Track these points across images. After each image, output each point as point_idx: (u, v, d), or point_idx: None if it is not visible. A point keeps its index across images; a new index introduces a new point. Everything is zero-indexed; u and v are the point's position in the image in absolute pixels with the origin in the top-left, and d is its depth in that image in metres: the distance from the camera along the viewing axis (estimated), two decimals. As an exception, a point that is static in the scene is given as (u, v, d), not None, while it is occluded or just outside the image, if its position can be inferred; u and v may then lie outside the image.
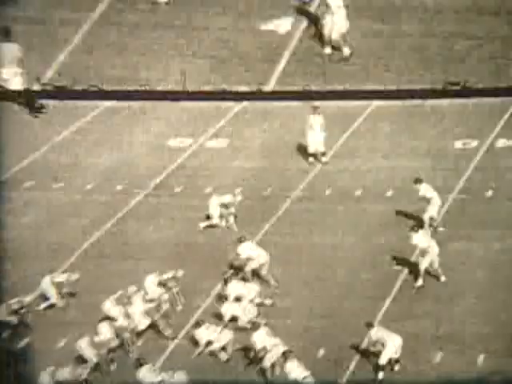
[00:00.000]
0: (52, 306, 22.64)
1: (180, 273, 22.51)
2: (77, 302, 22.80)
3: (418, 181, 24.37)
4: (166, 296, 22.02)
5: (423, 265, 22.27)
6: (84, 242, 25.13)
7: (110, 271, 23.63)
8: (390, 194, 26.28)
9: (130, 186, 27.45)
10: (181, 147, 29.39)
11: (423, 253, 22.35)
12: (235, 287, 21.91)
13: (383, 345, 19.91)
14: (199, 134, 29.82)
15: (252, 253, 22.72)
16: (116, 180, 27.82)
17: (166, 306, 21.90)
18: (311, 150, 27.44)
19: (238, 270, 22.92)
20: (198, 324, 21.08)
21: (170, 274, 22.42)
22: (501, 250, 23.50)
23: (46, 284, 22.68)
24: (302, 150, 28.16)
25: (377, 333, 20.07)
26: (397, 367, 19.99)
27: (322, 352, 20.79)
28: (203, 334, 20.79)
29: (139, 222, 25.93)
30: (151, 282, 22.29)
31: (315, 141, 27.29)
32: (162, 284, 22.26)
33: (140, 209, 26.56)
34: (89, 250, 24.63)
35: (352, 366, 20.31)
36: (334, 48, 16.99)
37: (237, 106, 30.81)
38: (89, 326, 21.54)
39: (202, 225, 25.12)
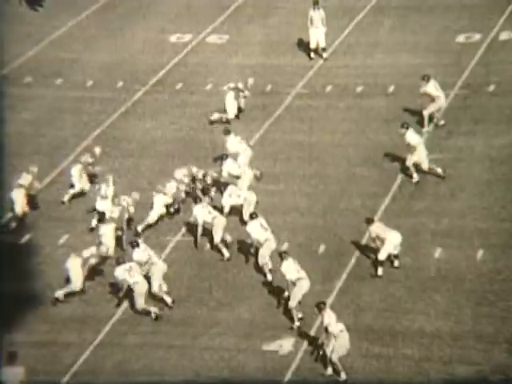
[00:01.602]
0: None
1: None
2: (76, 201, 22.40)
3: (425, 77, 23.40)
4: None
5: (410, 161, 21.75)
6: (84, 138, 24.59)
7: (110, 169, 23.13)
8: (391, 89, 25.62)
9: (130, 83, 26.79)
10: (180, 43, 28.68)
11: (412, 149, 21.80)
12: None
13: (382, 241, 19.56)
14: (199, 30, 29.08)
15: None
16: (116, 76, 27.16)
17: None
18: (312, 45, 26.81)
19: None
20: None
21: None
22: (501, 145, 23.01)
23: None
24: (303, 46, 27.53)
25: (376, 229, 19.69)
26: (396, 263, 19.69)
27: (322, 248, 20.48)
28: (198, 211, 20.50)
29: (140, 119, 25.39)
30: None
31: (316, 35, 26.67)
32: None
33: (140, 106, 25.96)
34: (89, 148, 24.09)
35: (352, 262, 20.00)
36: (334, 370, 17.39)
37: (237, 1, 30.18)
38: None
39: (213, 117, 24.36)
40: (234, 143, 22.43)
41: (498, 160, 22.48)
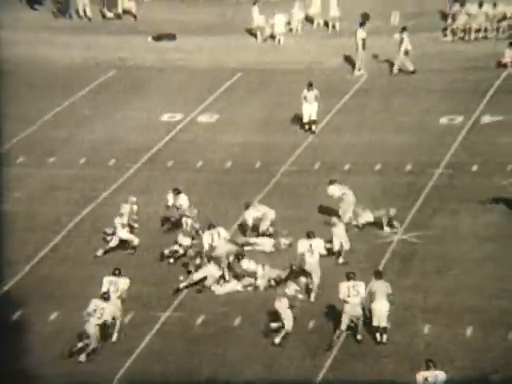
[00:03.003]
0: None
1: None
2: (69, 272, 21.94)
3: None
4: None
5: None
6: (76, 215, 24.27)
7: (101, 245, 22.77)
8: (377, 167, 25.59)
9: (121, 161, 26.65)
10: (172, 122, 28.69)
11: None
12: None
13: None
14: (190, 110, 29.12)
15: (258, 214, 22.33)
16: (108, 154, 27.03)
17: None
18: (305, 119, 27.26)
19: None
20: None
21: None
22: (488, 223, 22.82)
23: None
24: (292, 125, 27.63)
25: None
26: (385, 338, 19.22)
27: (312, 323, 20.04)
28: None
29: (131, 195, 25.07)
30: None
31: (309, 110, 27.17)
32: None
33: (131, 183, 25.77)
34: (80, 224, 23.71)
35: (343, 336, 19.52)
36: None
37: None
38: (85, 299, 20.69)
39: None
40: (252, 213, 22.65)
41: (484, 238, 22.26)
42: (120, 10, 36.20)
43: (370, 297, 19.33)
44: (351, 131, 27.66)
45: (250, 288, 21.01)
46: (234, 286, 21.12)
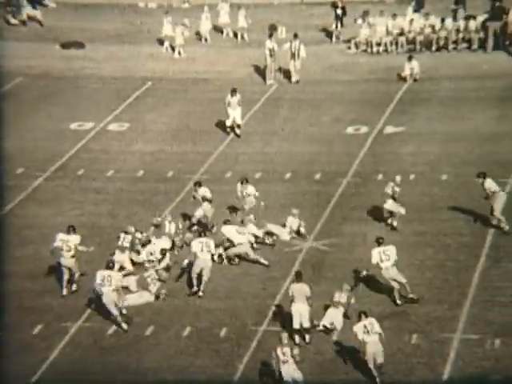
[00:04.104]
0: None
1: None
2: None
3: (481, 175, 22.53)
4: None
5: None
6: (-16, 225, 23.54)
7: (11, 257, 22.04)
8: (287, 176, 25.62)
9: (30, 170, 25.97)
10: (82, 130, 28.22)
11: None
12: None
13: None
14: (100, 118, 28.67)
15: (233, 237, 21.76)
16: (16, 163, 26.32)
17: None
18: (229, 123, 27.56)
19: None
20: None
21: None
22: (391, 231, 22.85)
23: None
24: (203, 134, 27.46)
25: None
26: (307, 338, 19.05)
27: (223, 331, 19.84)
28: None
29: (40, 205, 24.45)
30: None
31: (233, 114, 27.42)
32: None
33: (41, 192, 25.13)
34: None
35: (253, 346, 19.34)
36: None
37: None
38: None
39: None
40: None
41: (390, 244, 22.38)
42: (25, 17, 35.28)
43: (290, 299, 19.38)
44: (262, 140, 27.65)
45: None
46: (147, 297, 20.86)
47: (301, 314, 19.19)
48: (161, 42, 33.96)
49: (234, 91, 27.37)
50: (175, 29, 33.28)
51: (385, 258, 20.19)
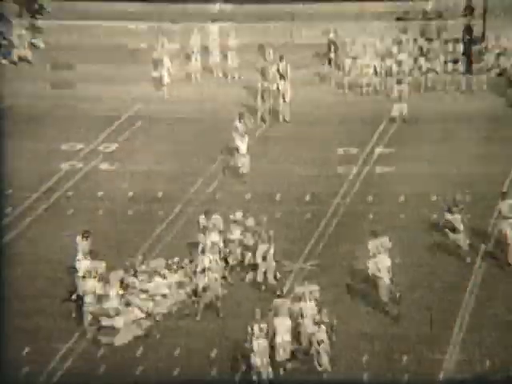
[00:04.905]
0: None
1: None
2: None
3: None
4: None
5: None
6: None
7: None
8: (277, 198, 25.59)
9: (19, 192, 25.54)
10: (72, 151, 28.10)
11: None
12: None
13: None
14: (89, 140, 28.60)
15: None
16: (5, 185, 25.59)
17: None
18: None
19: None
20: None
21: None
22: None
23: None
24: (194, 154, 27.37)
25: None
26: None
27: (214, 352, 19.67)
28: None
29: (29, 226, 24.31)
30: None
31: (243, 143, 26.51)
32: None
33: (31, 214, 24.81)
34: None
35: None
36: None
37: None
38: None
39: None
40: None
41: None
42: (15, 58, 34.86)
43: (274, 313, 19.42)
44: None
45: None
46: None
47: (284, 328, 19.10)
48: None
49: (241, 116, 26.84)
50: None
51: (382, 250, 20.43)
